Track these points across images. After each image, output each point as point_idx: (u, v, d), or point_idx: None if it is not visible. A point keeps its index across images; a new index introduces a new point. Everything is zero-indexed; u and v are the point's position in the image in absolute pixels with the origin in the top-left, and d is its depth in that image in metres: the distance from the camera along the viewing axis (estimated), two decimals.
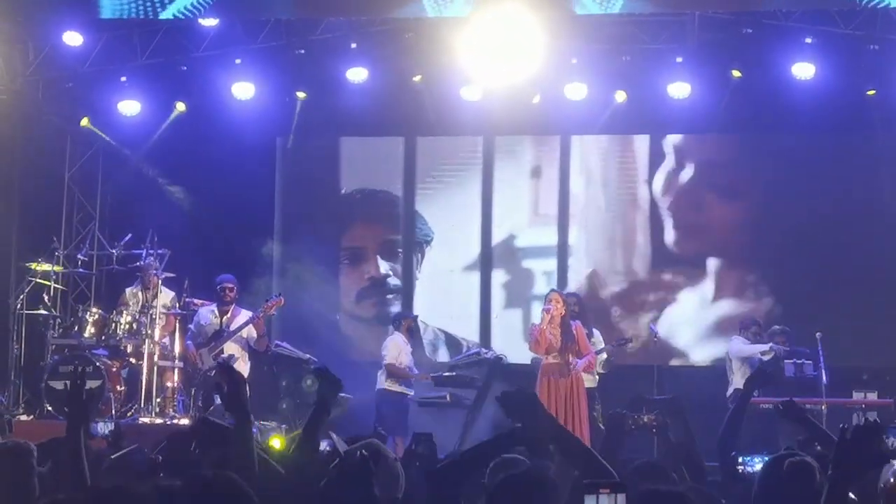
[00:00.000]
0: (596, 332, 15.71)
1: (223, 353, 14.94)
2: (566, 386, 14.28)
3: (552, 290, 15.03)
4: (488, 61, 14.72)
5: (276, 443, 12.86)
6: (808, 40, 16.02)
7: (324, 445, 8.13)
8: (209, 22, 15.89)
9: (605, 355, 15.48)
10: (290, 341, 16.36)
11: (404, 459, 7.36)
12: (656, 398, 8.50)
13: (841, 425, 5.57)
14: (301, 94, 17.39)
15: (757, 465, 8.68)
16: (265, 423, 14.76)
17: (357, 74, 16.80)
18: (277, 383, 16.07)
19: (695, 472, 7.11)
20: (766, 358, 15.33)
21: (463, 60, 15.01)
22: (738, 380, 15.13)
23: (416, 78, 17.08)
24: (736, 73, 16.50)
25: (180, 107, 17.43)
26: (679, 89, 16.68)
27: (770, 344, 15.52)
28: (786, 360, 15.22)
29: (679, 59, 16.48)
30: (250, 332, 15.04)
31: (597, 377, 15.27)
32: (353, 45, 16.63)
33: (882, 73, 16.21)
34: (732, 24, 16.02)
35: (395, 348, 15.76)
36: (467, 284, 18.18)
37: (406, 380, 15.71)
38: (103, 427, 12.72)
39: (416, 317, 16.56)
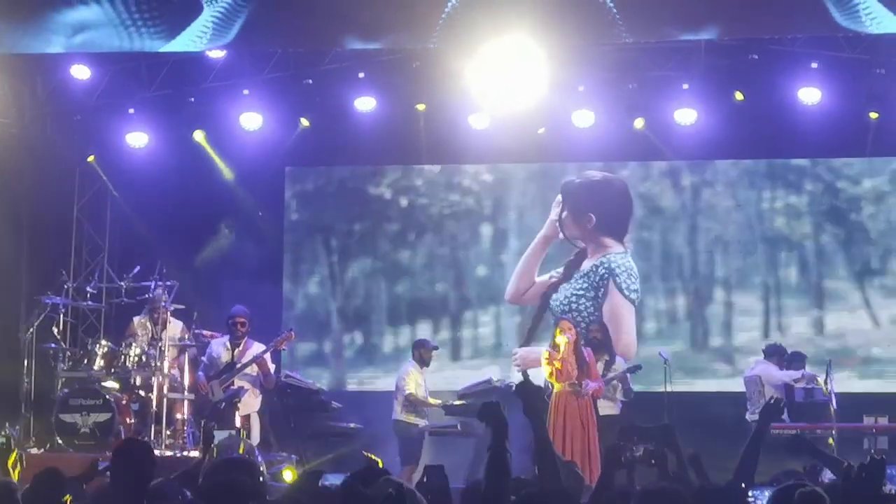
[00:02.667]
0: (619, 359, 15.68)
1: (234, 385, 14.95)
2: (581, 413, 14.31)
3: (563, 319, 15.04)
4: (495, 90, 14.76)
5: (289, 475, 12.90)
6: (814, 65, 16.04)
7: (330, 481, 8.14)
8: (216, 53, 15.94)
9: (618, 384, 15.41)
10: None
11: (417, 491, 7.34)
12: (648, 426, 8.49)
13: (843, 464, 5.58)
14: (304, 122, 17.42)
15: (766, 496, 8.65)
16: (275, 454, 14.76)
17: (365, 104, 16.85)
18: (287, 414, 16.04)
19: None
20: (799, 385, 15.33)
21: (471, 89, 15.04)
22: None
23: (420, 107, 17.13)
24: (739, 96, 16.52)
25: (198, 136, 17.50)
26: (686, 116, 16.70)
27: (802, 371, 15.55)
28: (796, 386, 15.26)
29: (686, 86, 16.51)
30: (259, 367, 15.05)
31: (619, 404, 15.25)
32: (361, 75, 16.67)
33: (889, 96, 16.21)
34: (739, 49, 16.04)
35: (412, 378, 15.79)
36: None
37: (421, 409, 15.71)
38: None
39: (436, 347, 16.48)
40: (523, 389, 6.39)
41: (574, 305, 17.70)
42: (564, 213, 17.89)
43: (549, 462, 6.14)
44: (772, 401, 8.60)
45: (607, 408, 14.95)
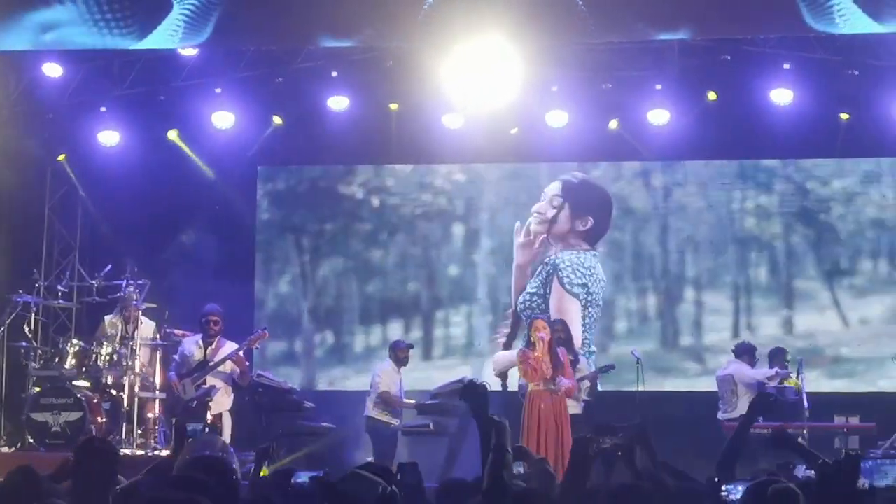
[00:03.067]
0: (582, 358, 15.76)
1: (206, 384, 14.91)
2: (555, 411, 14.32)
3: (537, 318, 15.05)
4: (470, 89, 14.76)
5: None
6: (787, 66, 16.12)
7: (304, 478, 8.13)
8: (189, 51, 15.89)
9: (587, 383, 15.49)
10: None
11: None
12: (622, 425, 8.52)
13: (818, 461, 5.61)
14: (277, 120, 17.40)
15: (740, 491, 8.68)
16: (247, 453, 14.71)
17: (338, 103, 16.83)
18: (259, 413, 16.00)
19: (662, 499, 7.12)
20: (772, 383, 15.39)
21: (445, 88, 15.04)
22: (744, 404, 15.17)
23: (393, 106, 17.13)
24: (712, 96, 16.59)
25: (172, 135, 17.45)
26: (659, 116, 16.76)
27: (776, 369, 15.62)
28: (769, 385, 15.33)
29: (659, 87, 16.56)
30: (234, 366, 15.02)
31: (582, 404, 15.28)
32: (334, 74, 16.66)
33: (861, 97, 16.31)
34: (712, 50, 16.11)
35: (388, 376, 15.82)
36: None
37: (394, 409, 15.72)
38: None
39: (411, 346, 16.46)
40: (468, 391, 6.35)
41: (528, 304, 17.75)
42: (562, 212, 17.92)
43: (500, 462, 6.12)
44: (760, 396, 8.69)
45: (571, 407, 14.93)
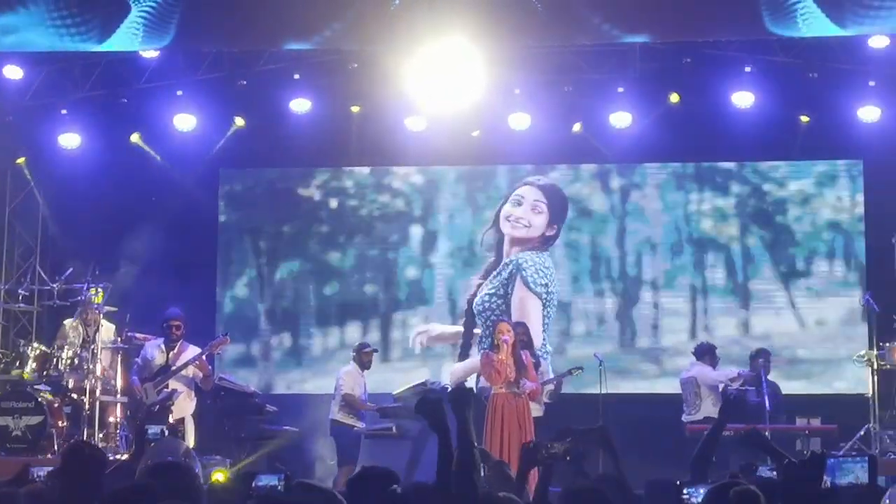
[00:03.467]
0: (544, 361, 15.80)
1: (168, 388, 14.86)
2: (518, 413, 14.35)
3: (501, 321, 15.08)
4: (433, 92, 14.75)
5: (220, 476, 12.81)
6: (748, 69, 16.23)
7: (265, 481, 8.11)
8: (150, 54, 15.83)
9: (551, 386, 15.53)
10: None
11: (353, 491, 7.30)
12: (583, 428, 8.56)
13: (784, 461, 5.65)
14: (239, 121, 17.35)
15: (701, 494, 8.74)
16: (209, 457, 14.67)
17: (301, 105, 16.81)
18: (221, 417, 15.95)
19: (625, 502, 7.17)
20: (735, 385, 15.46)
21: (408, 91, 15.03)
22: (708, 406, 15.24)
23: (354, 108, 17.12)
24: (674, 97, 16.66)
25: (134, 138, 17.37)
26: (621, 119, 16.82)
27: (738, 370, 15.70)
28: (731, 387, 15.40)
29: (621, 89, 16.63)
30: (196, 370, 14.98)
31: (543, 406, 15.31)
32: (297, 76, 16.63)
33: (822, 100, 16.45)
34: (673, 53, 16.21)
35: (351, 379, 15.82)
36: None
37: (358, 411, 15.72)
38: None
39: (375, 350, 16.49)
40: (423, 406, 6.33)
41: (487, 305, 17.77)
42: (540, 216, 17.96)
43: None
44: (731, 397, 8.76)
45: (533, 410, 14.98)
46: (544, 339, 17.51)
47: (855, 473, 7.17)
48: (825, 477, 6.74)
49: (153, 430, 13.51)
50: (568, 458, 7.49)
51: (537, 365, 15.27)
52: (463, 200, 18.32)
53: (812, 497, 5.97)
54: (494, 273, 17.93)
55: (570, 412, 14.98)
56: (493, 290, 17.88)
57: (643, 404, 16.78)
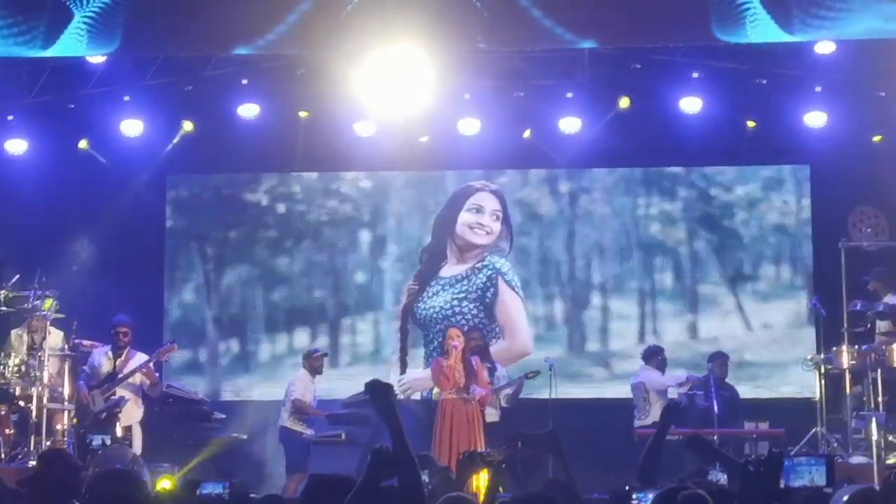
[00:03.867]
0: (499, 366, 15.80)
1: (115, 395, 14.78)
2: (468, 419, 14.37)
3: (452, 327, 15.10)
4: (382, 97, 14.73)
5: (166, 483, 12.77)
6: (695, 75, 16.32)
7: (210, 489, 8.08)
8: (97, 59, 15.73)
9: (509, 391, 15.52)
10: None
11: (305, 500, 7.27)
12: (534, 434, 8.58)
13: (742, 460, 5.66)
14: (187, 126, 17.27)
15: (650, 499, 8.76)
16: (157, 464, 14.59)
17: (248, 111, 16.75)
18: (169, 424, 15.87)
19: None
20: (683, 389, 15.51)
21: (357, 96, 14.99)
22: (656, 411, 15.28)
23: (302, 114, 17.08)
24: (625, 102, 16.69)
25: (83, 144, 17.26)
26: (570, 124, 16.86)
27: (686, 374, 15.75)
28: (679, 391, 15.49)
29: (570, 95, 16.68)
30: (143, 378, 14.91)
31: (500, 411, 15.32)
32: (245, 82, 16.58)
33: (769, 106, 16.57)
34: (622, 59, 16.27)
35: (302, 385, 15.79)
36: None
37: (308, 418, 15.67)
38: None
39: (325, 354, 16.44)
40: (373, 390, 6.25)
41: (458, 310, 17.74)
42: (497, 222, 18.01)
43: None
44: (671, 403, 8.80)
45: (489, 415, 15.04)
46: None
47: (811, 475, 7.18)
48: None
49: (96, 440, 13.51)
50: (504, 465, 7.52)
51: (493, 370, 15.30)
52: (412, 205, 18.30)
53: (768, 498, 5.97)
54: (458, 278, 17.86)
55: (527, 417, 15.03)
56: (462, 295, 17.82)
57: (592, 409, 16.81)
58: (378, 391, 6.17)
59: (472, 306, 17.78)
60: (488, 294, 17.80)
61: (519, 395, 15.71)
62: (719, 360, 16.06)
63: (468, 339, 14.97)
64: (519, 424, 14.41)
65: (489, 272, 17.87)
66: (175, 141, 17.41)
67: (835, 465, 7.54)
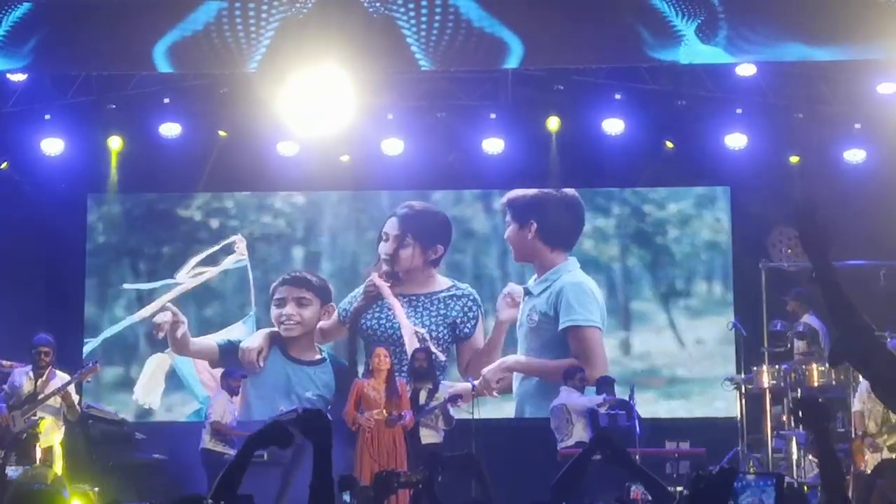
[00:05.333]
0: (443, 387, 15.76)
1: (35, 416, 14.63)
2: (389, 439, 14.38)
3: (379, 346, 15.13)
4: (304, 117, 14.70)
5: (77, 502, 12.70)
6: (618, 96, 16.41)
7: None
8: (18, 77, 15.62)
9: (438, 412, 15.44)
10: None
11: None
12: (450, 455, 8.60)
13: (693, 474, 5.66)
14: (112, 145, 17.15)
15: None
16: (78, 486, 14.47)
17: (170, 129, 16.68)
18: (89, 445, 15.74)
19: None
20: (602, 410, 15.52)
21: (280, 116, 14.96)
22: (579, 431, 15.30)
23: (222, 133, 17.04)
24: (553, 123, 16.75)
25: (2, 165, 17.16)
26: (493, 145, 16.91)
27: (604, 395, 15.76)
28: (600, 412, 15.51)
29: (493, 116, 16.72)
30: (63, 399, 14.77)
31: (442, 433, 15.30)
32: (166, 101, 16.51)
33: (689, 127, 16.68)
34: (545, 80, 16.32)
35: (220, 406, 15.70)
36: None
37: (229, 438, 15.59)
38: None
39: (244, 375, 16.39)
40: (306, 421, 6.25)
41: (436, 334, 17.72)
42: (407, 247, 18.01)
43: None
44: (603, 431, 8.78)
45: (430, 436, 15.06)
46: None
47: (759, 496, 7.11)
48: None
49: (13, 473, 13.32)
50: (421, 486, 7.53)
51: (434, 391, 15.29)
52: (345, 221, 18.24)
53: None
54: (431, 298, 17.85)
55: (452, 438, 15.04)
56: (438, 318, 17.79)
57: (516, 429, 16.82)
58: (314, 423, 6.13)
59: (447, 329, 17.81)
60: (468, 316, 17.88)
61: (452, 418, 15.57)
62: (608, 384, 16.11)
63: (414, 359, 15.00)
64: (465, 445, 14.42)
65: (467, 300, 17.91)
66: (113, 162, 17.26)
67: (784, 484, 7.48)
